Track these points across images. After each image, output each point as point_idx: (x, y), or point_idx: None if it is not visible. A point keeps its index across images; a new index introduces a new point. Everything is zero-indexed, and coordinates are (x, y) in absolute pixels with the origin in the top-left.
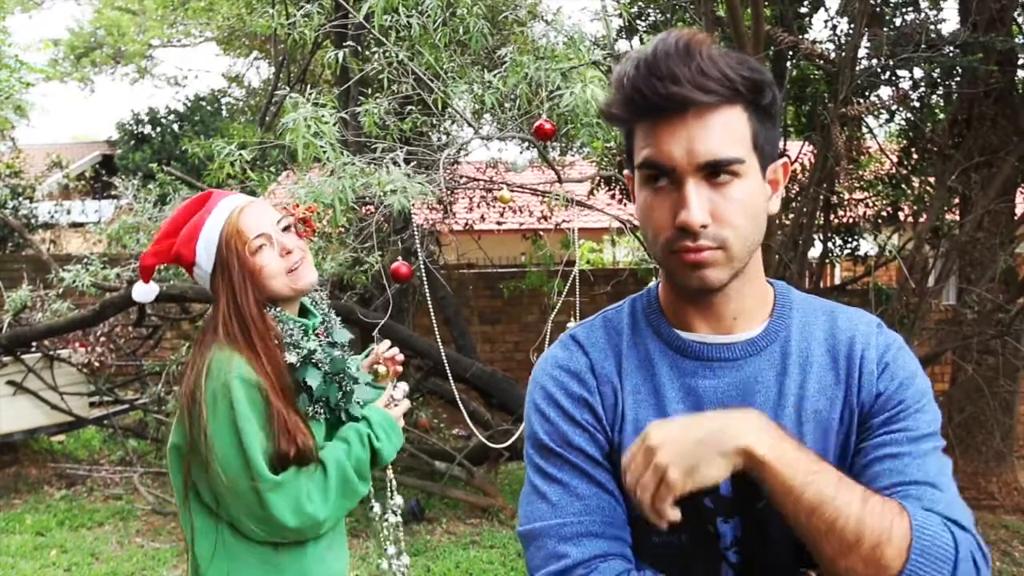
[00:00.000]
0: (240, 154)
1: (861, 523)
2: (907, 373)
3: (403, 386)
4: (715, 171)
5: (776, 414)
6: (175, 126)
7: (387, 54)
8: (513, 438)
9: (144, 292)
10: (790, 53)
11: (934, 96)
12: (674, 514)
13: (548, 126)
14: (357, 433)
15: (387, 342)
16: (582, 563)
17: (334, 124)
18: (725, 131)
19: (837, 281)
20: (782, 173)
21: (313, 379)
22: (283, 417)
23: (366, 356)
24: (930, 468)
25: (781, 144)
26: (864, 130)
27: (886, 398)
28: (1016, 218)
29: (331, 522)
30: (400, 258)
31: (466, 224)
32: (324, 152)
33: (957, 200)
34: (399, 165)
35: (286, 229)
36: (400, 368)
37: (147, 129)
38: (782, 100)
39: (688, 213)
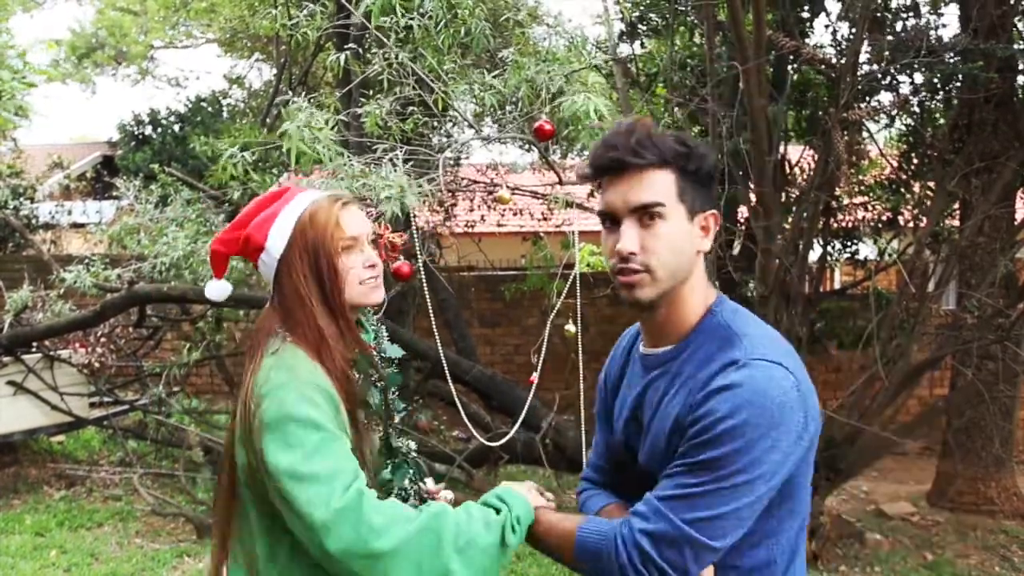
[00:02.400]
0: (243, 156)
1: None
2: (716, 415)
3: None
4: (644, 213)
5: (653, 420)
6: (176, 127)
7: (387, 55)
8: (507, 437)
9: (218, 289)
10: (791, 58)
11: (934, 101)
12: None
13: (548, 127)
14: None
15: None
16: (583, 479)
17: (332, 127)
18: (652, 185)
19: (837, 285)
20: (712, 221)
21: (373, 398)
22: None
23: None
24: (674, 486)
25: (782, 148)
26: (864, 135)
27: (694, 430)
28: (1016, 223)
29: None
30: (401, 257)
31: (467, 224)
32: (322, 156)
33: (957, 205)
34: (396, 166)
35: (372, 243)
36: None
37: (148, 130)
38: (784, 106)
39: (622, 243)
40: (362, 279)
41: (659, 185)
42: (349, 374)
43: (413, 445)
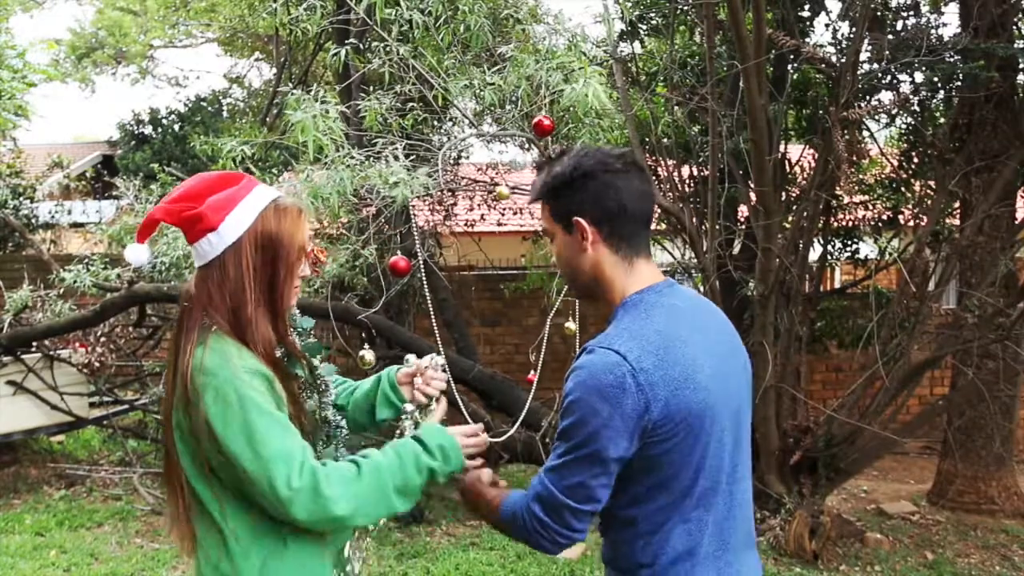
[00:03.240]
0: (242, 149)
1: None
2: (565, 392)
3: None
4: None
5: None
6: (176, 127)
7: (388, 49)
8: (506, 436)
9: (138, 253)
10: (792, 57)
11: (935, 100)
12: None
13: (547, 122)
14: (415, 457)
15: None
16: None
17: (335, 119)
18: (542, 215)
19: (837, 284)
20: (584, 223)
21: (300, 369)
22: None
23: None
24: (552, 457)
25: (782, 147)
26: (865, 134)
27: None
28: (1017, 222)
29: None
30: (399, 252)
31: (466, 223)
32: (328, 146)
33: (958, 204)
34: (398, 159)
35: None
36: (430, 392)
37: (148, 130)
38: (784, 105)
39: None
40: (295, 285)
41: (543, 214)
42: (274, 354)
43: (338, 416)
